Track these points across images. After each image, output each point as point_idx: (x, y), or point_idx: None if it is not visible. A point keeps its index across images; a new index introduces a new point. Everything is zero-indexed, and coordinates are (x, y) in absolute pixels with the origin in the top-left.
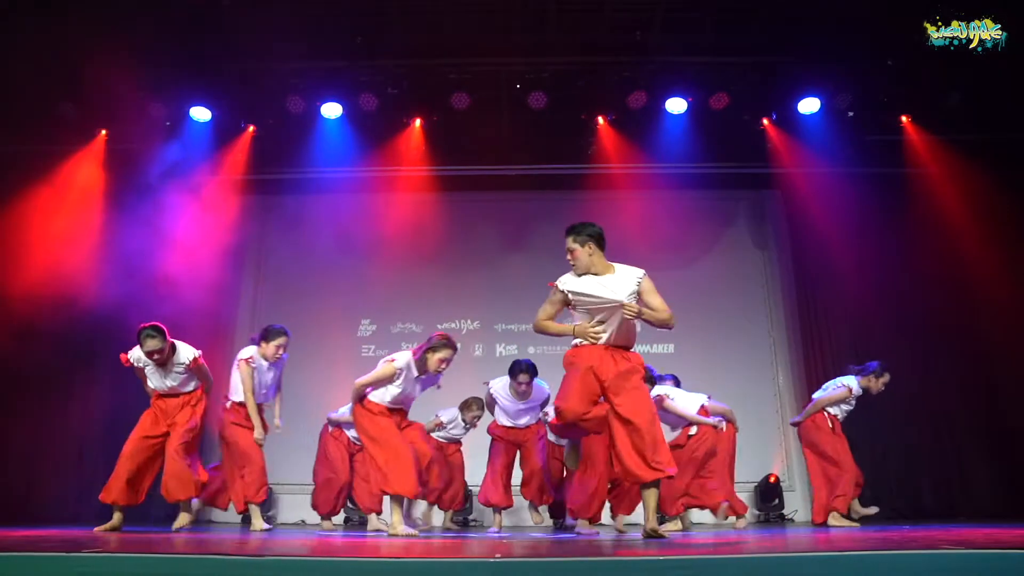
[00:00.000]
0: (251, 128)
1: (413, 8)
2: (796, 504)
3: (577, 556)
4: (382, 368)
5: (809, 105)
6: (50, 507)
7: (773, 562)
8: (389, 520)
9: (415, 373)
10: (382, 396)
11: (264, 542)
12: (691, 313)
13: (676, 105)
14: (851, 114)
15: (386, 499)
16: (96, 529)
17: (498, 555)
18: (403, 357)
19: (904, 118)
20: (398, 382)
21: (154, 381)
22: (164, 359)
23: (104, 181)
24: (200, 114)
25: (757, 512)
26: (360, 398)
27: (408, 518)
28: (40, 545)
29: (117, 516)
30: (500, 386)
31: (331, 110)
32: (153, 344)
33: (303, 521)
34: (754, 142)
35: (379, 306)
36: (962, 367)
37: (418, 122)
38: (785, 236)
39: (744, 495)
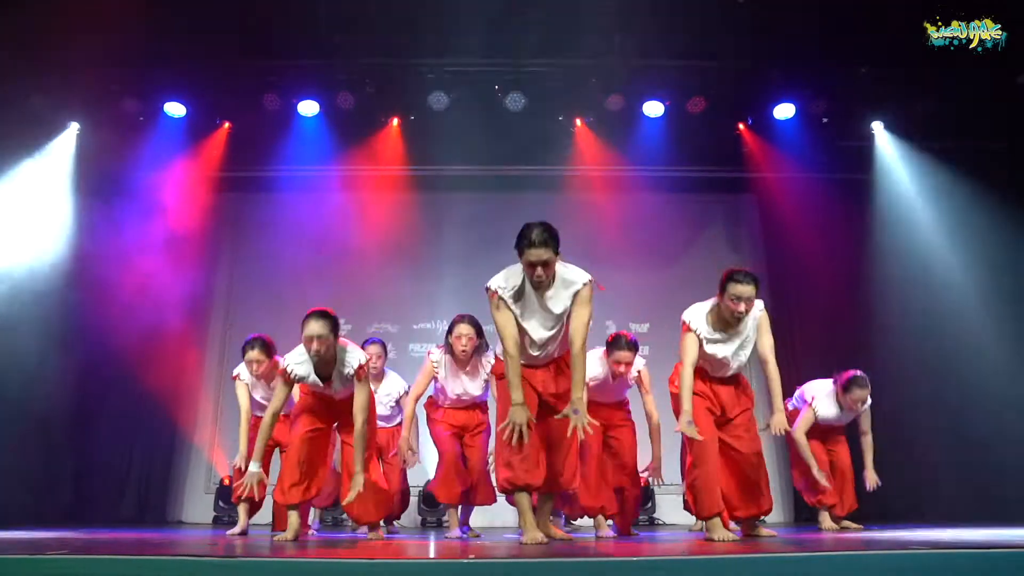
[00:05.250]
0: (226, 125)
1: (391, 7)
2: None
3: (560, 557)
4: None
5: (784, 110)
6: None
7: (739, 563)
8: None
9: (454, 366)
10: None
11: (235, 543)
12: (665, 315)
13: (653, 108)
14: (825, 120)
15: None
16: None
17: (471, 556)
18: (437, 352)
19: (877, 125)
20: (441, 375)
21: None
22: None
23: (73, 175)
24: (174, 109)
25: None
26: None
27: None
28: (3, 548)
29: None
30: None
31: (308, 108)
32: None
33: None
34: (730, 146)
35: (355, 306)
36: (931, 370)
37: (395, 121)
38: (759, 240)
39: None
